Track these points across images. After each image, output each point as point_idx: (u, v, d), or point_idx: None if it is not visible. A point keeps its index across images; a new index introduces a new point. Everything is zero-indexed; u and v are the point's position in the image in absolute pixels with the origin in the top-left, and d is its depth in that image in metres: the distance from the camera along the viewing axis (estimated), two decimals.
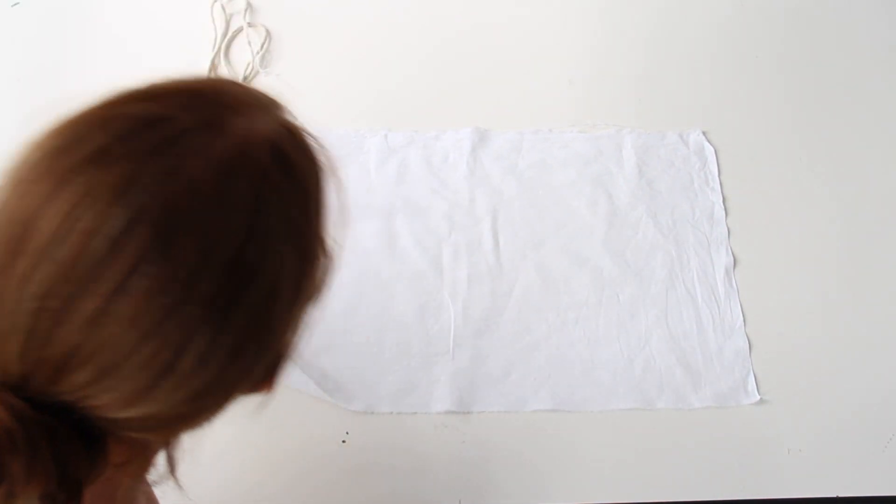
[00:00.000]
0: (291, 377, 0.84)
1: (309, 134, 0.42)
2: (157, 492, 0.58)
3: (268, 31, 1.12)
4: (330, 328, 0.89)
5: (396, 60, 1.11)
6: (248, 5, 1.13)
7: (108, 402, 0.35)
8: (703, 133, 1.06)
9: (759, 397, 0.87)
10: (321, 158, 0.43)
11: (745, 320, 0.92)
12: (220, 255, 0.34)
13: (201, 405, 0.39)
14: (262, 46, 1.10)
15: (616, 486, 0.81)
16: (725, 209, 1.00)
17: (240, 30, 1.12)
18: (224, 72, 1.08)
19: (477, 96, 1.09)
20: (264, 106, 0.41)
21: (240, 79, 1.08)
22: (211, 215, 0.34)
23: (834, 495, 0.82)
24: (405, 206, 0.98)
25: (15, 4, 1.12)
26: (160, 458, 0.44)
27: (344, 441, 0.82)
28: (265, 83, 1.08)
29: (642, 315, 0.92)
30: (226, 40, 1.10)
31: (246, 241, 0.35)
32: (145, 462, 0.43)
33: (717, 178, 1.02)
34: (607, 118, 1.07)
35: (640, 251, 0.96)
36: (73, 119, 0.36)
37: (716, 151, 1.04)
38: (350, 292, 0.91)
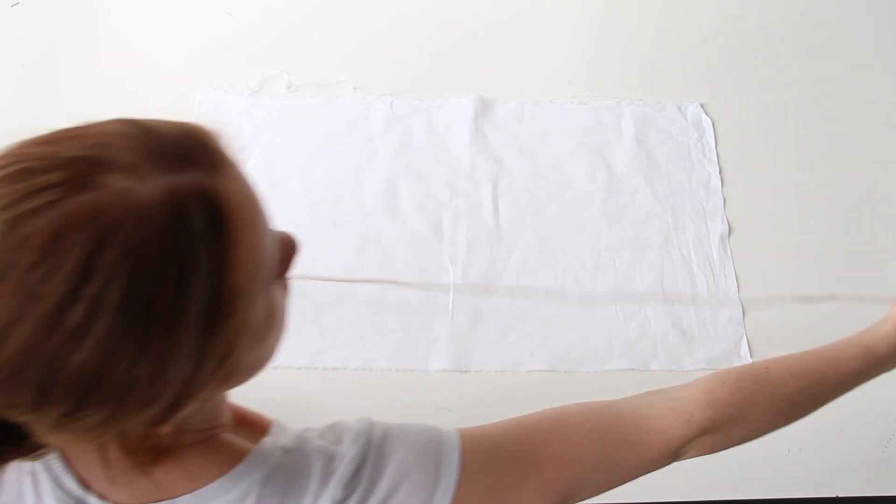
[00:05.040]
0: (286, 354, 0.86)
1: (218, 200, 0.39)
2: None
3: None
4: (332, 287, 0.90)
5: (404, 30, 1.13)
6: None
7: None
8: (701, 105, 1.08)
9: (751, 361, 0.89)
10: (235, 220, 0.40)
11: (738, 286, 0.94)
12: (36, 311, 0.35)
13: (78, 428, 0.39)
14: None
15: None
16: (721, 179, 1.02)
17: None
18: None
19: (480, 67, 1.10)
20: (173, 166, 0.39)
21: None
22: (30, 273, 0.35)
23: (834, 495, 0.82)
24: (407, 171, 1.00)
25: (15, 4, 1.12)
26: None
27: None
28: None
29: (638, 280, 0.94)
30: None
31: (66, 302, 0.35)
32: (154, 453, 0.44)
33: (713, 149, 1.04)
34: (607, 90, 1.09)
35: (637, 219, 0.98)
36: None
37: (713, 123, 1.06)
38: (352, 254, 0.93)
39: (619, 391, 0.86)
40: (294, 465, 0.48)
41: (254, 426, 0.54)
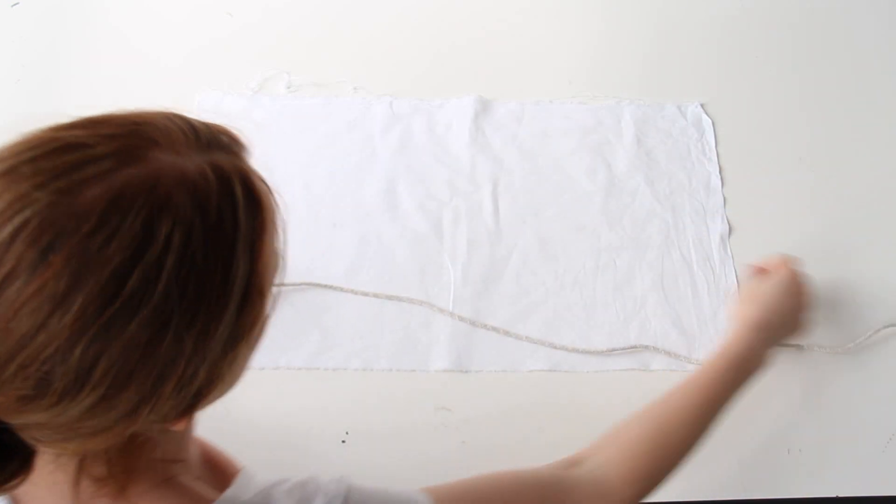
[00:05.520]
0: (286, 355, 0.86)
1: (252, 180, 0.42)
2: None
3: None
4: (332, 288, 0.90)
5: (404, 31, 1.13)
6: None
7: None
8: (701, 105, 1.08)
9: None
10: (265, 203, 0.43)
11: (739, 286, 0.94)
12: (94, 278, 0.35)
13: (101, 422, 0.38)
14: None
15: None
16: (721, 179, 1.02)
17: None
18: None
19: (480, 67, 1.11)
20: (206, 147, 0.41)
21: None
22: (89, 239, 0.35)
23: (834, 495, 0.81)
24: (408, 171, 1.00)
25: (15, 4, 1.12)
26: None
27: (344, 441, 0.81)
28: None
29: (638, 280, 0.94)
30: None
31: (127, 269, 0.35)
32: (125, 478, 0.43)
33: (713, 148, 1.04)
34: (607, 90, 1.09)
35: (637, 218, 0.98)
36: (21, 136, 0.38)
37: (713, 123, 1.06)
38: (352, 254, 0.93)
39: (620, 391, 0.87)
40: None
41: (220, 470, 0.52)
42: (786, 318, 0.80)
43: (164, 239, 0.36)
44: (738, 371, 0.74)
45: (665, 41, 1.14)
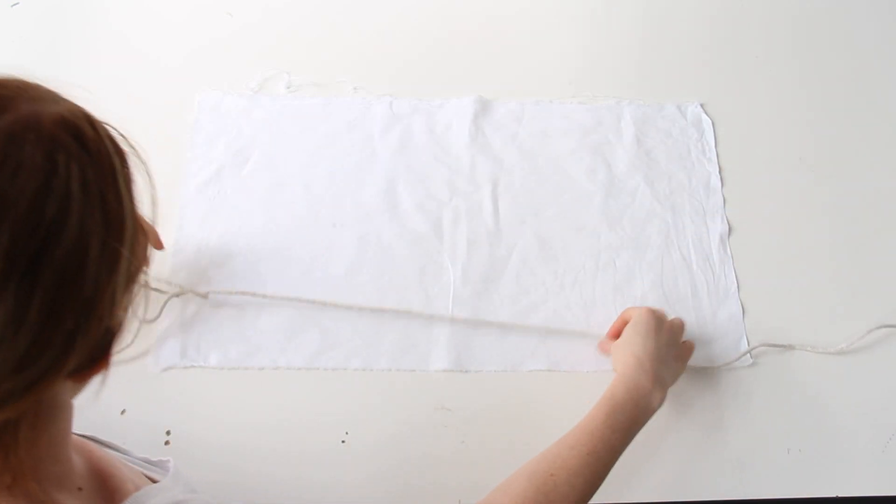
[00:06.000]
0: (285, 354, 0.86)
1: (109, 125, 0.44)
2: None
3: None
4: (332, 288, 0.90)
5: (404, 31, 1.13)
6: None
7: None
8: (701, 105, 1.08)
9: (751, 361, 0.89)
10: (123, 145, 0.44)
11: (738, 286, 0.94)
12: (15, 210, 0.35)
13: (26, 377, 0.38)
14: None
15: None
16: (721, 179, 1.02)
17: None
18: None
19: (480, 67, 1.11)
20: (59, 99, 0.42)
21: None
22: (1, 171, 0.36)
23: (834, 495, 0.82)
24: (407, 171, 1.00)
25: (14, 4, 1.12)
26: None
27: (343, 441, 0.82)
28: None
29: (638, 280, 0.94)
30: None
31: (42, 197, 0.36)
32: (13, 474, 0.42)
33: (713, 148, 1.04)
34: (607, 90, 1.09)
35: (637, 218, 0.98)
36: None
37: (713, 123, 1.06)
38: (352, 254, 0.93)
39: None
40: None
41: (110, 490, 0.51)
42: (654, 351, 0.79)
43: (64, 169, 0.38)
44: (621, 414, 0.73)
45: (665, 41, 1.14)
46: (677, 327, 0.85)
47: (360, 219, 0.96)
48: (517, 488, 0.66)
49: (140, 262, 0.44)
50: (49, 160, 0.38)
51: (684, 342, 0.86)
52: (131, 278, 0.43)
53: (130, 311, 0.45)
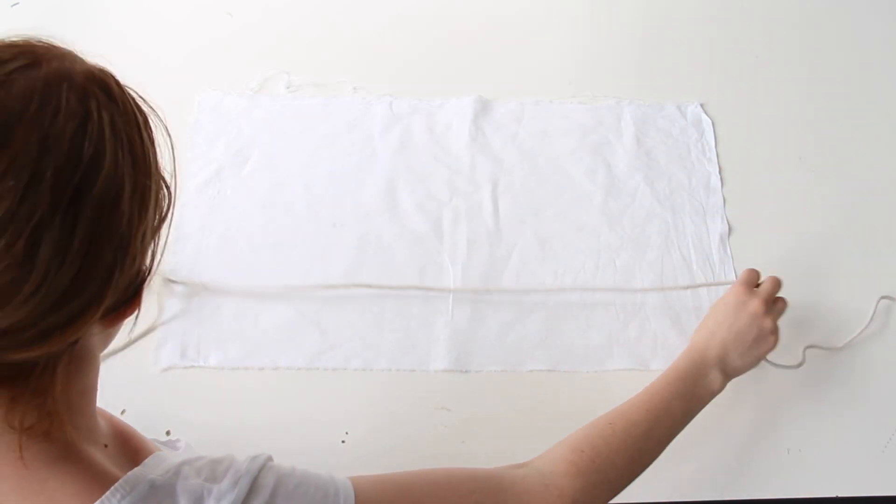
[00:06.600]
0: (286, 355, 0.86)
1: (131, 88, 0.47)
2: None
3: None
4: (332, 287, 0.90)
5: (404, 31, 1.13)
6: None
7: None
8: (701, 105, 1.08)
9: None
10: (143, 104, 0.47)
11: None
12: (58, 148, 0.38)
13: (69, 311, 0.40)
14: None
15: None
16: (721, 179, 1.02)
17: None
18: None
19: (480, 67, 1.11)
20: (85, 60, 0.45)
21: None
22: (42, 113, 0.39)
23: (834, 495, 0.81)
24: (407, 171, 1.00)
25: (15, 4, 1.12)
26: None
27: (343, 441, 0.82)
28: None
29: (638, 280, 0.94)
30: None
31: (80, 137, 0.39)
32: (51, 419, 0.44)
33: (713, 148, 1.04)
34: (607, 90, 1.09)
35: (637, 218, 0.98)
36: None
37: (713, 123, 1.06)
38: (352, 254, 0.93)
39: (620, 391, 0.87)
40: (157, 502, 0.45)
41: (134, 450, 0.52)
42: (726, 331, 0.79)
43: (97, 114, 0.41)
44: (682, 383, 0.74)
45: (665, 41, 1.14)
46: (758, 311, 0.80)
47: (360, 219, 0.96)
48: (576, 436, 0.68)
49: (165, 212, 0.48)
50: (83, 106, 0.40)
51: (769, 332, 0.80)
52: (158, 225, 0.47)
53: (157, 258, 0.48)
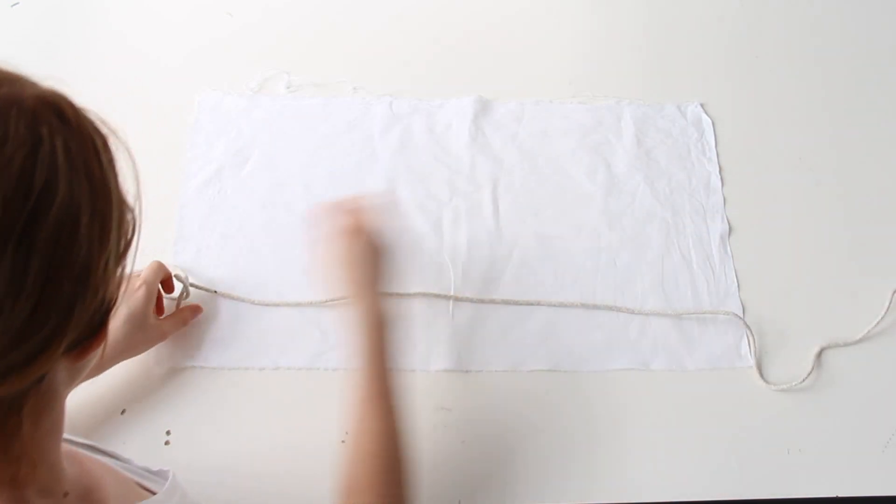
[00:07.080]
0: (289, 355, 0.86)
1: (89, 110, 0.44)
2: None
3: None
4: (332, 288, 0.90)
5: (404, 31, 1.13)
6: None
7: None
8: (701, 105, 1.08)
9: (752, 362, 0.89)
10: (101, 126, 0.44)
11: (739, 286, 0.94)
12: (6, 178, 0.36)
13: (28, 348, 0.38)
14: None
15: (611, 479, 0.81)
16: (721, 179, 1.02)
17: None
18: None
19: (480, 67, 1.11)
20: (38, 84, 0.43)
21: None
22: None
23: (834, 495, 0.81)
24: (408, 171, 1.00)
25: (15, 4, 1.12)
26: None
27: (343, 441, 0.80)
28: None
29: (638, 280, 0.94)
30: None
31: (30, 165, 0.37)
32: (19, 463, 0.43)
33: (713, 148, 1.04)
34: (607, 90, 1.09)
35: (637, 218, 0.98)
36: None
37: (713, 123, 1.06)
38: None
39: (620, 391, 0.87)
40: None
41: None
42: (345, 273, 0.78)
43: (49, 141, 0.39)
44: (364, 339, 0.73)
45: (665, 41, 1.15)
46: (338, 234, 0.79)
47: None
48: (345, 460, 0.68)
49: (129, 237, 0.45)
50: (33, 133, 0.38)
51: (353, 231, 0.79)
52: (122, 252, 0.44)
53: (122, 287, 0.46)
